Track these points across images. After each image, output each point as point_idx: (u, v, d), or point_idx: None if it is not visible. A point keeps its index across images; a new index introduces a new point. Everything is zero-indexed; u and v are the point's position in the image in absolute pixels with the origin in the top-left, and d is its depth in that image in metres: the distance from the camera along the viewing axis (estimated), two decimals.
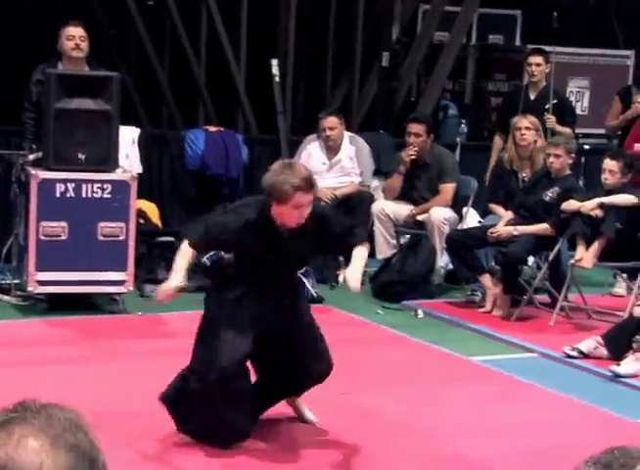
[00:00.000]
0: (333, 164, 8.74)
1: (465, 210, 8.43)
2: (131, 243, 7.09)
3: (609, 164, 7.48)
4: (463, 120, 10.43)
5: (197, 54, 10.12)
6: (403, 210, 8.44)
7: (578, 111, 10.94)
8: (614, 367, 6.22)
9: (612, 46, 11.58)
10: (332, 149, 8.72)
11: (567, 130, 8.61)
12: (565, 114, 8.77)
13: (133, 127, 8.79)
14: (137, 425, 4.97)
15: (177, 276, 4.80)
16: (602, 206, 7.30)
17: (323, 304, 7.71)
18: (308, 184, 4.56)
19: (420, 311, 7.63)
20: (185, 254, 4.86)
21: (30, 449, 1.42)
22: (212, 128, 9.18)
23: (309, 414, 5.20)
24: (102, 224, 7.03)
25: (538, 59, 8.81)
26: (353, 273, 4.69)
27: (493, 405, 5.57)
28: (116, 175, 7.13)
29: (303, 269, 7.79)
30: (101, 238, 7.03)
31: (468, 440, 5.05)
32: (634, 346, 6.36)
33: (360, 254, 4.81)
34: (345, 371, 5.94)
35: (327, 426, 5.13)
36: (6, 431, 1.43)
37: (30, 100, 7.44)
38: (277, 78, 9.52)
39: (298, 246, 4.82)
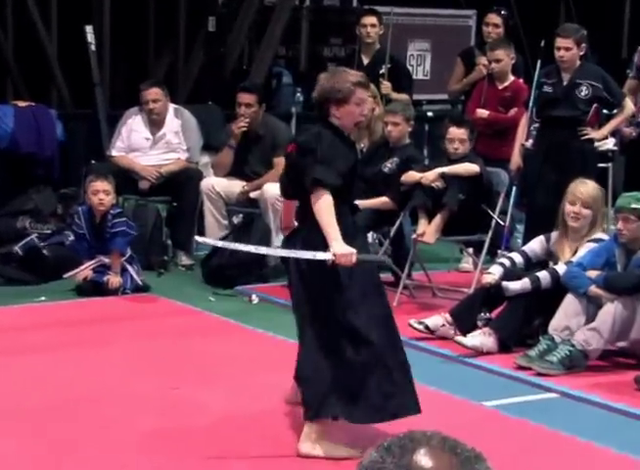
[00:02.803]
0: (157, 139, 8.24)
1: None
2: None
3: (456, 132, 7.06)
4: (298, 89, 10.17)
5: (3, 22, 9.48)
6: (235, 186, 7.98)
7: (420, 75, 10.65)
8: (459, 338, 6.01)
9: (453, 6, 11.25)
10: (155, 123, 8.22)
11: (403, 97, 8.24)
12: (400, 79, 8.40)
13: None
14: None
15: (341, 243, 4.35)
16: (443, 176, 6.91)
17: (149, 292, 7.26)
18: (365, 80, 4.68)
19: (254, 297, 7.17)
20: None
21: None
22: (22, 103, 8.69)
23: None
24: None
25: (372, 19, 8.44)
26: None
27: None
28: None
29: (127, 255, 7.35)
30: None
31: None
32: (479, 323, 6.10)
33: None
34: (174, 365, 5.69)
35: (151, 425, 4.79)
36: None
37: None
38: (93, 47, 9.04)
39: None
